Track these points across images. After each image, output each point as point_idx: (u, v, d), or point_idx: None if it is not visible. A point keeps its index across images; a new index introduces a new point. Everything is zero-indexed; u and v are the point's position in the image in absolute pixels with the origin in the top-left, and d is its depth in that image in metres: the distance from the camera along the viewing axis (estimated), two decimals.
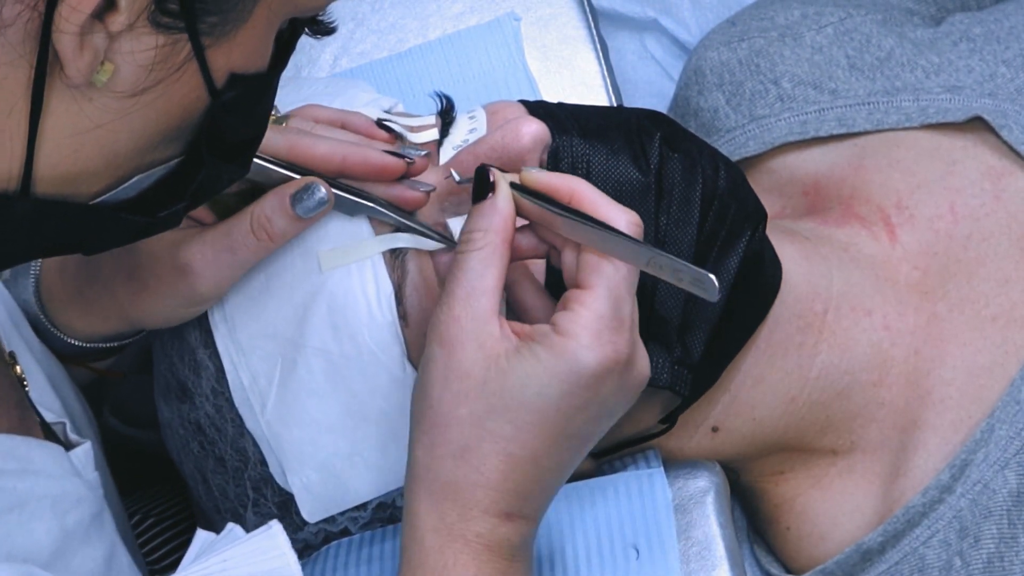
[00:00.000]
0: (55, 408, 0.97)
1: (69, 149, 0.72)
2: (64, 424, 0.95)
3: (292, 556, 0.84)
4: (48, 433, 0.95)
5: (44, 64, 0.69)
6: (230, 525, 0.86)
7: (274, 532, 0.84)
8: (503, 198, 0.90)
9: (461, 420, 0.87)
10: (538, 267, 0.99)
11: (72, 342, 1.03)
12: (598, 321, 0.87)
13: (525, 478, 0.88)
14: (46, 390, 0.98)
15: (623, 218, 0.88)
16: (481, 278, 0.88)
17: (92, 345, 1.04)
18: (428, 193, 0.98)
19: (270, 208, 0.94)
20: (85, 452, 0.94)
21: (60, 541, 0.86)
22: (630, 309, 0.89)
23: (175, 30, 0.71)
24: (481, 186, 0.90)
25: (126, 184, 0.77)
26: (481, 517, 0.88)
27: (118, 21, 0.69)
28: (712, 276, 0.87)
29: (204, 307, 0.99)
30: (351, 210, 0.97)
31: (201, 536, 0.86)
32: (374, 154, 0.97)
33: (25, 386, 0.95)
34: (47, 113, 0.71)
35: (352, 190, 0.97)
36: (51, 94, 0.70)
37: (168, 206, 0.80)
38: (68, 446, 0.95)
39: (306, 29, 0.81)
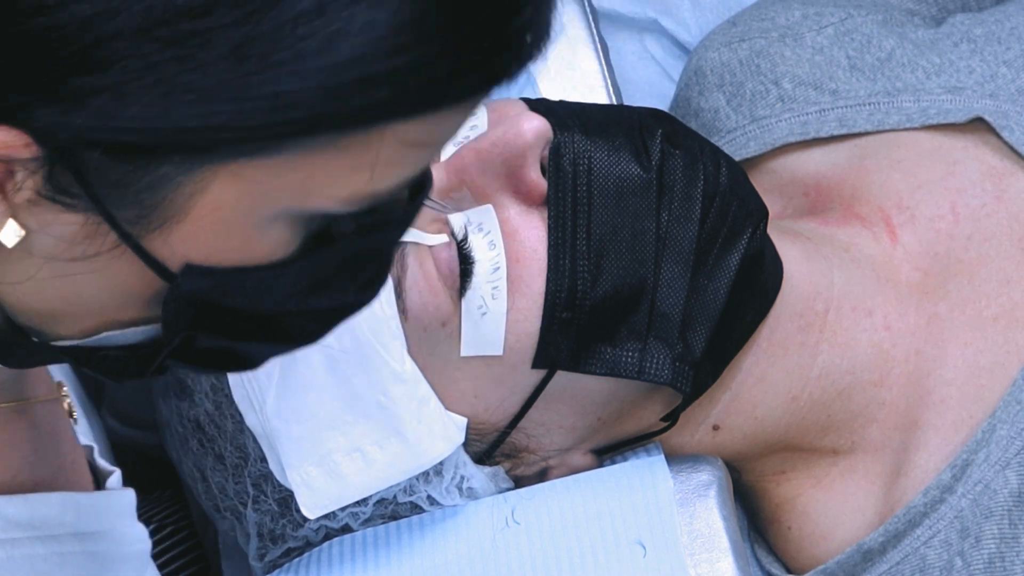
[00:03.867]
0: (84, 431, 0.94)
1: (24, 293, 0.66)
2: (93, 448, 0.91)
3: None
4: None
5: None
6: None
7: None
8: None
9: None
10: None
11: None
12: None
13: None
14: (82, 420, 0.95)
15: None
16: None
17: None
18: None
19: None
20: (116, 480, 0.91)
21: None
22: None
23: (89, 211, 0.62)
24: None
25: (95, 338, 0.69)
26: None
27: (19, 194, 0.62)
28: None
29: None
30: None
31: None
32: None
33: (74, 419, 0.92)
34: None
35: None
36: None
37: (132, 374, 0.72)
38: (97, 474, 0.92)
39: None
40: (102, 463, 0.92)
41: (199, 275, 0.64)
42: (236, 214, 0.63)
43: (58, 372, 0.95)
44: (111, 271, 0.64)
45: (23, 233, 0.63)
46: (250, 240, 0.64)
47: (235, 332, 0.69)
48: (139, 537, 0.88)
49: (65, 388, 0.91)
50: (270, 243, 0.65)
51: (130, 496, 0.88)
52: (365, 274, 0.70)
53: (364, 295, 0.71)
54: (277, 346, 0.73)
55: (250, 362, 0.73)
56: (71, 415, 0.91)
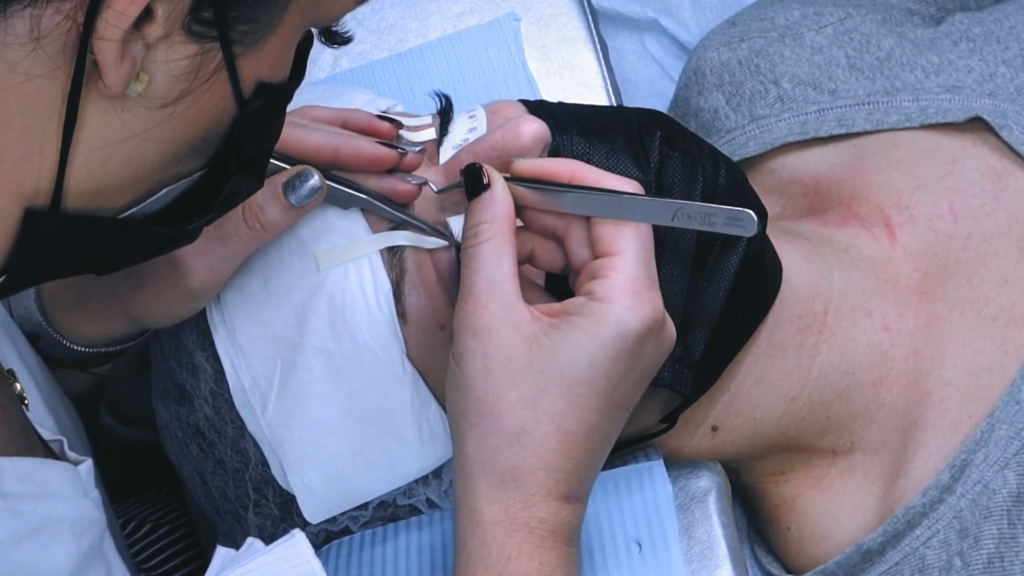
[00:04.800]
0: (49, 426, 0.96)
1: (97, 162, 0.72)
2: (62, 442, 0.94)
3: (317, 563, 0.83)
4: (47, 451, 0.95)
5: (81, 74, 0.69)
6: (250, 540, 0.85)
7: (297, 540, 0.83)
8: (501, 188, 0.90)
9: (512, 405, 0.86)
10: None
11: (75, 347, 1.03)
12: (634, 282, 0.87)
13: (581, 455, 0.88)
14: (41, 408, 0.97)
15: (629, 185, 0.89)
16: (498, 266, 0.88)
17: (95, 349, 1.04)
18: (420, 186, 0.98)
19: (262, 197, 0.94)
20: (87, 470, 0.93)
21: (77, 564, 0.86)
22: (655, 268, 0.89)
23: (207, 39, 0.71)
24: (474, 183, 0.90)
25: (153, 198, 0.77)
26: (544, 501, 0.87)
27: (155, 30, 0.69)
28: (750, 211, 0.86)
29: (202, 302, 0.99)
30: (344, 203, 0.97)
31: (221, 553, 0.85)
32: (367, 145, 0.97)
33: (26, 404, 0.94)
34: (80, 125, 0.71)
35: (345, 182, 0.97)
36: (85, 105, 0.70)
37: (193, 218, 0.80)
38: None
39: (322, 38, 0.81)
40: (72, 455, 0.94)
41: (264, 93, 0.75)
42: (297, 28, 0.75)
43: (9, 362, 0.96)
44: (194, 110, 0.73)
45: (146, 79, 0.70)
46: (289, 55, 0.77)
47: (254, 162, 0.81)
48: (81, 508, 0.88)
49: (16, 374, 0.94)
50: (289, 61, 0.77)
51: (68, 470, 0.89)
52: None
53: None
54: (254, 184, 0.83)
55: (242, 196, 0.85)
56: (23, 401, 0.93)
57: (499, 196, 0.90)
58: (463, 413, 0.88)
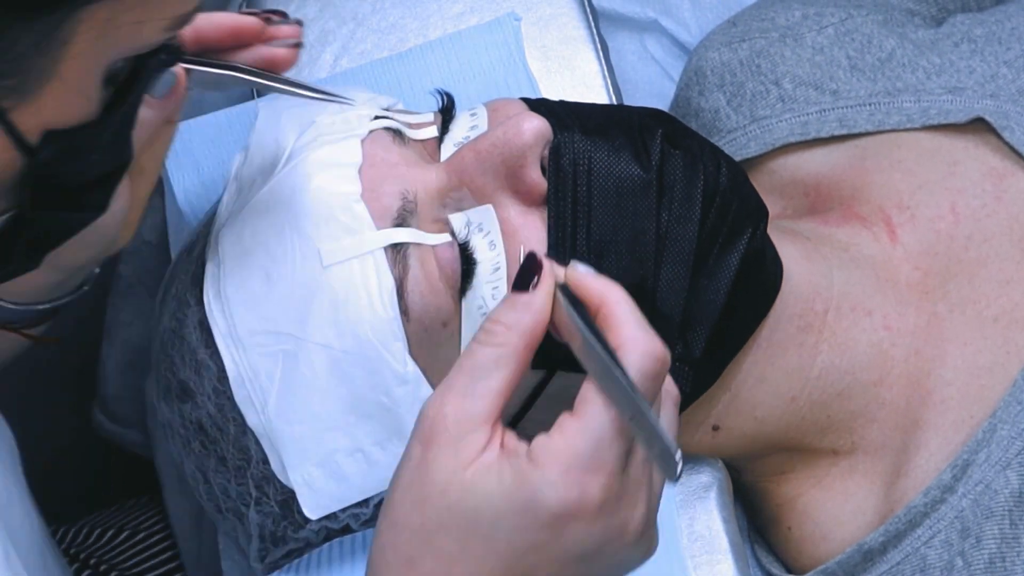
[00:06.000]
0: None
1: None
2: None
3: None
4: None
5: None
6: None
7: None
8: (542, 297, 0.80)
9: (413, 529, 0.80)
10: None
11: (4, 304, 0.99)
12: (573, 458, 0.77)
13: None
14: None
15: (639, 348, 0.78)
16: (486, 378, 0.79)
17: (26, 306, 0.98)
18: (295, 47, 0.97)
19: None
20: None
21: None
22: (616, 454, 0.78)
23: None
24: (525, 274, 0.80)
25: None
26: None
27: None
28: (679, 459, 0.77)
29: (124, 238, 0.95)
30: (217, 84, 0.96)
31: None
32: (225, 16, 0.95)
33: None
34: None
35: (209, 62, 0.95)
36: None
37: (32, 256, 0.80)
38: None
39: (161, 56, 0.78)
40: None
41: (56, 139, 0.73)
42: (89, 67, 0.73)
43: None
44: None
45: None
46: (88, 94, 0.74)
47: (72, 200, 0.79)
48: None
49: None
50: (98, 96, 0.75)
51: None
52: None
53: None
54: (89, 215, 0.82)
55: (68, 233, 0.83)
56: None
57: (535, 306, 0.80)
58: (382, 514, 0.83)
